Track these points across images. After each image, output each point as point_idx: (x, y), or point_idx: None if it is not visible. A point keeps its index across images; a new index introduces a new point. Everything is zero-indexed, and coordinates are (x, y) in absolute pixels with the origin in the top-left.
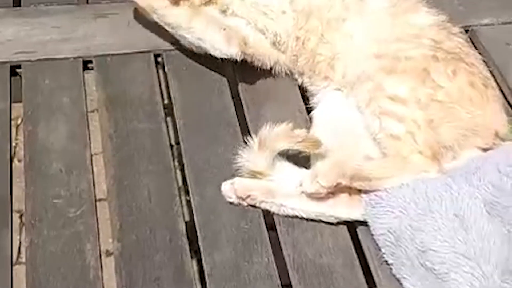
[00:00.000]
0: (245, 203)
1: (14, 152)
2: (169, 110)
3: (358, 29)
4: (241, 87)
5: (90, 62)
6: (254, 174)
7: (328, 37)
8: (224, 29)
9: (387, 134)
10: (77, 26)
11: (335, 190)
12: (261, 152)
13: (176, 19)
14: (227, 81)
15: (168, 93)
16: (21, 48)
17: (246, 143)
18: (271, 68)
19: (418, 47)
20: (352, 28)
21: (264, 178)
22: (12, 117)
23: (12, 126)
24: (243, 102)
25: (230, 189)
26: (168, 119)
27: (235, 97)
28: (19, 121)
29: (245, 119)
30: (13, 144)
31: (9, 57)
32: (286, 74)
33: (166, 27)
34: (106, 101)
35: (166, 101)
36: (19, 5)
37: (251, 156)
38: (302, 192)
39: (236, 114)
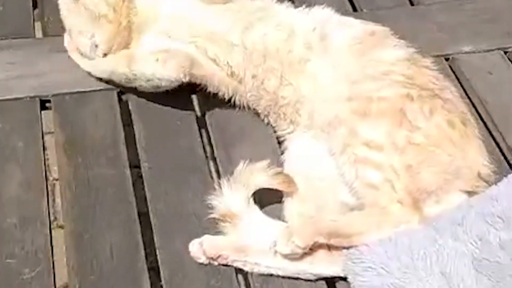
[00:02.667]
0: (216, 263)
1: None
2: (133, 153)
3: (323, 70)
4: (210, 126)
5: (48, 101)
6: (226, 218)
7: (291, 79)
8: (157, 59)
9: (364, 183)
10: (33, 62)
11: (313, 247)
12: (236, 191)
13: (114, 67)
14: (196, 120)
15: (133, 135)
16: None
17: (218, 185)
18: (234, 101)
19: (390, 85)
20: (317, 69)
21: (237, 223)
22: None
23: None
24: (212, 142)
25: (199, 249)
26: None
27: (204, 137)
28: None
29: (215, 161)
30: None
31: None
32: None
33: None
34: (65, 144)
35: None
36: None
37: (225, 197)
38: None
39: (205, 156)
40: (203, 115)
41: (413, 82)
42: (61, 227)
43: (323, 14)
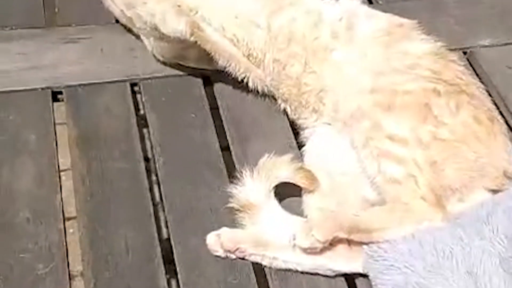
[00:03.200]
0: (233, 256)
1: None
2: (147, 147)
3: (348, 60)
4: (226, 119)
5: (60, 93)
6: (246, 209)
7: (315, 66)
8: (179, 6)
9: (386, 177)
10: (44, 53)
11: (333, 242)
12: (257, 182)
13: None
14: (211, 114)
15: (146, 127)
16: None
17: (239, 174)
18: (247, 83)
19: (416, 79)
20: (342, 58)
21: (256, 215)
22: None
23: None
24: (228, 136)
25: (216, 242)
26: (146, 157)
27: (219, 130)
28: None
29: (231, 156)
30: None
31: None
32: (271, 99)
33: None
34: (77, 137)
35: (144, 137)
36: None
37: (246, 187)
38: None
39: (221, 150)
40: (218, 108)
41: (440, 77)
42: (67, 219)
43: (351, 5)
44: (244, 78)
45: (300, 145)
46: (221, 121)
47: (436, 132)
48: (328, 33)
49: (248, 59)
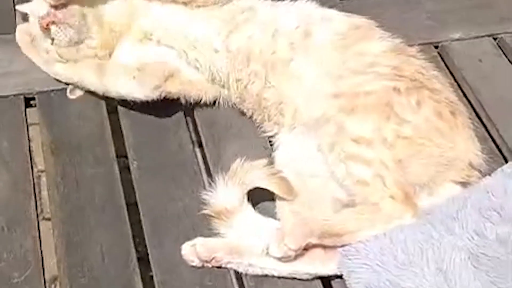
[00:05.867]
0: (209, 265)
1: None
2: (121, 150)
3: (306, 69)
4: (199, 121)
5: (33, 99)
6: (220, 216)
7: (274, 81)
8: (134, 77)
9: (354, 179)
10: (16, 59)
11: (307, 246)
12: (231, 188)
13: (81, 77)
14: (184, 115)
15: (120, 131)
16: None
17: (212, 181)
18: (218, 102)
19: (376, 78)
20: (300, 68)
21: (231, 221)
22: None
23: None
24: (202, 138)
25: (191, 252)
26: (121, 160)
27: (193, 133)
28: None
29: (204, 157)
30: None
31: None
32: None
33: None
34: (51, 143)
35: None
36: None
37: (219, 194)
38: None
39: (194, 152)
40: (191, 110)
41: (400, 73)
42: (48, 219)
43: (307, 8)
44: (215, 101)
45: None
46: (195, 122)
47: (400, 130)
48: (285, 45)
49: (213, 82)
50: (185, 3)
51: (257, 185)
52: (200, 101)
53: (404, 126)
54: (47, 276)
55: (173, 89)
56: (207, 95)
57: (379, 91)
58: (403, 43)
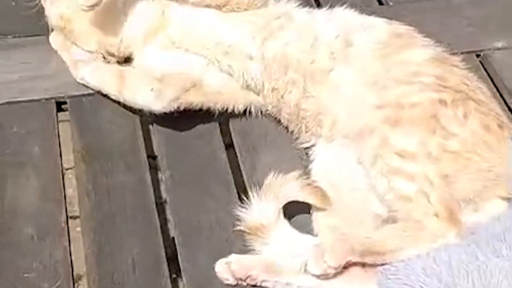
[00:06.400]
0: (244, 284)
1: None
2: (153, 158)
3: (347, 78)
4: (234, 129)
5: (64, 103)
6: (255, 232)
7: (312, 91)
8: (152, 89)
9: (397, 195)
10: (48, 62)
11: (347, 264)
12: (265, 204)
13: (103, 85)
14: (218, 124)
15: (153, 139)
16: None
17: (246, 196)
18: (249, 111)
19: (421, 89)
20: (341, 78)
21: (266, 237)
22: None
23: None
24: (236, 148)
25: (226, 270)
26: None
27: (227, 142)
28: None
29: (239, 168)
30: None
31: None
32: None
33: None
34: (82, 149)
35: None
36: None
37: (254, 209)
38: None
39: (229, 162)
40: (226, 118)
41: (445, 83)
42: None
43: (346, 16)
44: (246, 109)
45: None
46: (229, 130)
47: (446, 144)
48: (325, 55)
49: (248, 89)
50: (218, 6)
51: (292, 198)
52: (227, 110)
53: (450, 139)
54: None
55: (194, 100)
56: (237, 105)
57: (424, 103)
58: (446, 51)
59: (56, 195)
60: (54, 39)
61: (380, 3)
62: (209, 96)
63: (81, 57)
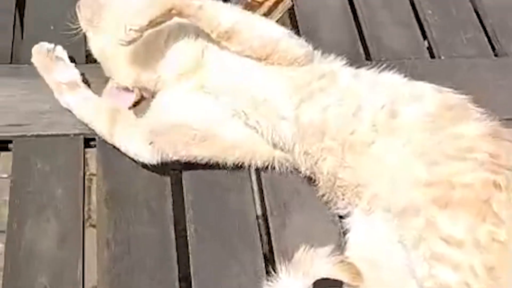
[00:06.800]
0: None
1: None
2: (179, 209)
3: (391, 151)
4: (265, 184)
5: (93, 139)
6: None
7: (351, 161)
8: (151, 143)
9: (437, 283)
10: None
11: None
12: (294, 279)
13: (91, 120)
14: (249, 176)
15: (180, 187)
16: (14, 119)
17: (268, 262)
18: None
19: (474, 168)
20: (384, 150)
21: None
22: None
23: None
24: (266, 204)
25: None
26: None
27: (257, 196)
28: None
29: (268, 227)
30: None
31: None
32: None
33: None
34: (106, 193)
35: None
36: (18, 62)
37: (280, 284)
38: None
39: (257, 220)
40: (258, 171)
41: (498, 162)
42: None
43: (393, 82)
44: (268, 164)
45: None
46: (260, 184)
47: (496, 232)
48: (368, 126)
49: (274, 147)
50: (259, 58)
51: (323, 276)
52: (241, 165)
53: (500, 227)
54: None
55: (198, 154)
56: (255, 160)
57: (477, 185)
58: (501, 123)
59: (75, 243)
60: (36, 59)
61: (432, 56)
62: (218, 151)
63: (64, 80)
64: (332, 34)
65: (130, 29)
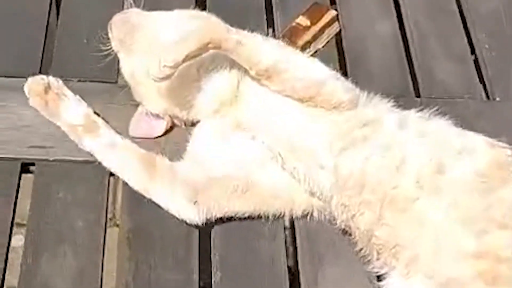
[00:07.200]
0: None
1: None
2: (205, 254)
3: (436, 212)
4: (299, 232)
5: None
6: None
7: (390, 219)
8: (195, 202)
9: None
10: (110, 114)
11: None
12: None
13: (121, 169)
14: (282, 221)
15: (209, 232)
16: (37, 141)
17: None
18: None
19: None
20: (427, 210)
21: None
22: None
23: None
24: (299, 255)
25: None
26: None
27: (290, 246)
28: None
29: (299, 281)
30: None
31: (22, 151)
32: None
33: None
34: (129, 231)
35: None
36: None
37: None
38: None
39: (288, 273)
40: (292, 217)
41: None
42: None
43: (444, 133)
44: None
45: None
46: (294, 232)
47: None
48: (412, 181)
49: (311, 196)
50: (300, 100)
51: None
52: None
53: None
54: None
55: (240, 209)
56: (295, 210)
57: None
58: None
59: (92, 282)
60: (36, 102)
61: (487, 98)
62: (259, 202)
63: (78, 121)
64: (380, 62)
65: (164, 66)
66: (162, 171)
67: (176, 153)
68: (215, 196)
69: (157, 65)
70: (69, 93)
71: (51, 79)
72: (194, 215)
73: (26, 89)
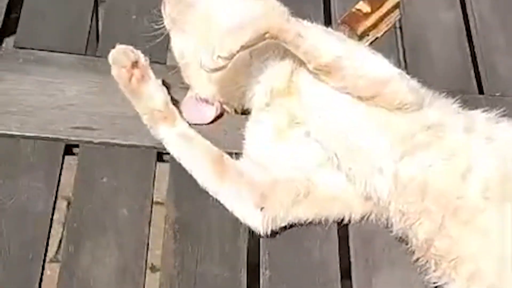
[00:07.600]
0: None
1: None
2: (254, 252)
3: (503, 226)
4: (352, 236)
5: (167, 153)
6: None
7: (452, 229)
8: (262, 208)
9: None
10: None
11: None
12: None
13: (190, 163)
14: (337, 225)
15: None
16: (83, 121)
17: None
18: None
19: None
20: (493, 223)
21: None
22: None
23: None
24: (352, 257)
25: None
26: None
27: (342, 249)
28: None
29: (351, 285)
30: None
31: (66, 132)
32: None
33: None
34: (175, 222)
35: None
36: (94, 55)
37: None
38: None
39: (339, 277)
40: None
41: None
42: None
43: (511, 135)
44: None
45: None
46: (347, 235)
47: None
48: (478, 191)
49: (367, 200)
50: (360, 98)
51: None
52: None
53: None
54: None
55: (303, 216)
56: (354, 214)
57: None
58: None
59: (135, 275)
60: (120, 75)
61: None
62: (320, 207)
63: (159, 106)
64: (440, 54)
65: (218, 56)
66: (230, 173)
67: (239, 139)
68: (280, 201)
69: (209, 56)
70: (152, 75)
71: (141, 54)
72: (259, 223)
73: (111, 57)
